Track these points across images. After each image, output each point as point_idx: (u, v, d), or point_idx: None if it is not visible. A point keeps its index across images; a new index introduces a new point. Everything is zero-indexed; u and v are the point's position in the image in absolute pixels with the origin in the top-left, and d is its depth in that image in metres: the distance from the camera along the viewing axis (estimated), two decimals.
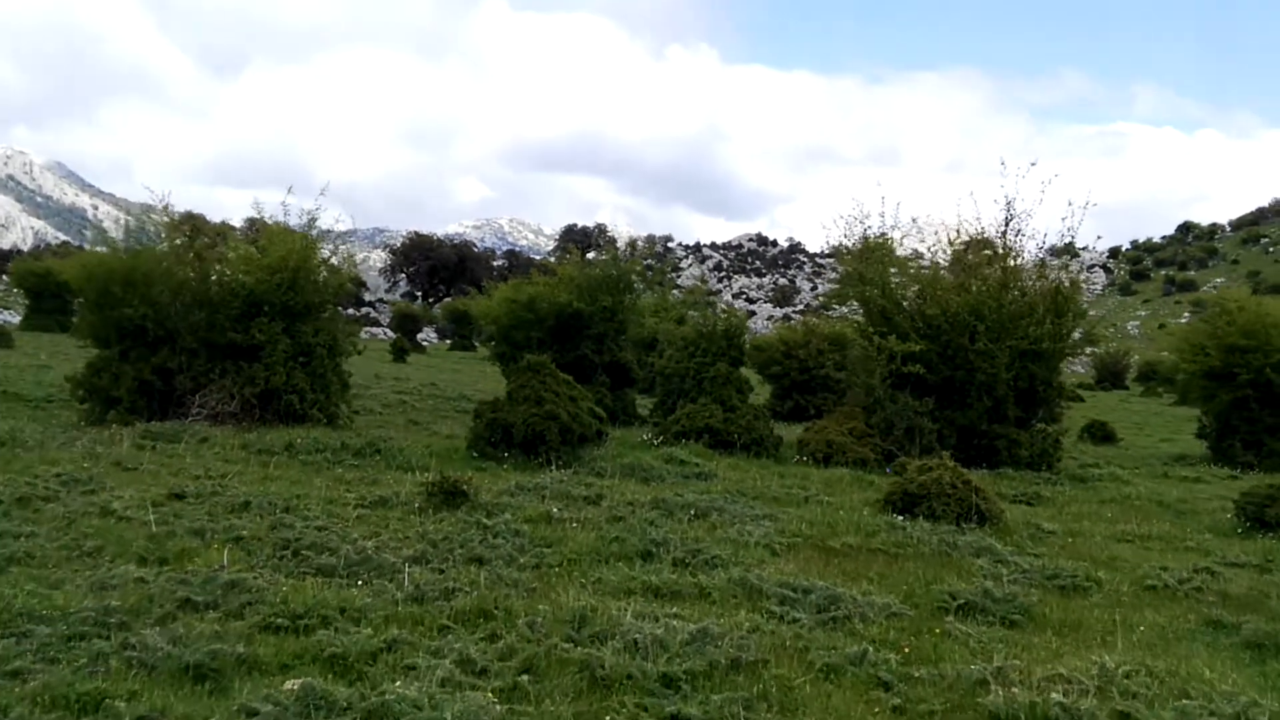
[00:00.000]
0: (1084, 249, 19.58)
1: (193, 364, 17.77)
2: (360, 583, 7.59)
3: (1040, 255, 19.09)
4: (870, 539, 10.22)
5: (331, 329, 19.69)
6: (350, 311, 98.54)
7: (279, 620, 6.47)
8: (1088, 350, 21.99)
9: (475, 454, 15.05)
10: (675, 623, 6.72)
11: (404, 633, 6.30)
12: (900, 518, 11.12)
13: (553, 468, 13.99)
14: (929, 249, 20.37)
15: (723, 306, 21.00)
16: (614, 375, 23.21)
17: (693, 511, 11.03)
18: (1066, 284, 18.49)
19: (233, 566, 7.67)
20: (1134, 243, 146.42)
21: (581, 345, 22.87)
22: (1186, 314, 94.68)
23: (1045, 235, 19.31)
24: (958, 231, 19.75)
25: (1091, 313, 20.01)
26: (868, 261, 19.31)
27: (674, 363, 19.64)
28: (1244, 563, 10.27)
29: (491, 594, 7.23)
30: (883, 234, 19.92)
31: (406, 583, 7.48)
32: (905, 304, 19.65)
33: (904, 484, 11.41)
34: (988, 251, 19.78)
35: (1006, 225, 19.15)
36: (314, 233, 19.34)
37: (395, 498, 11.07)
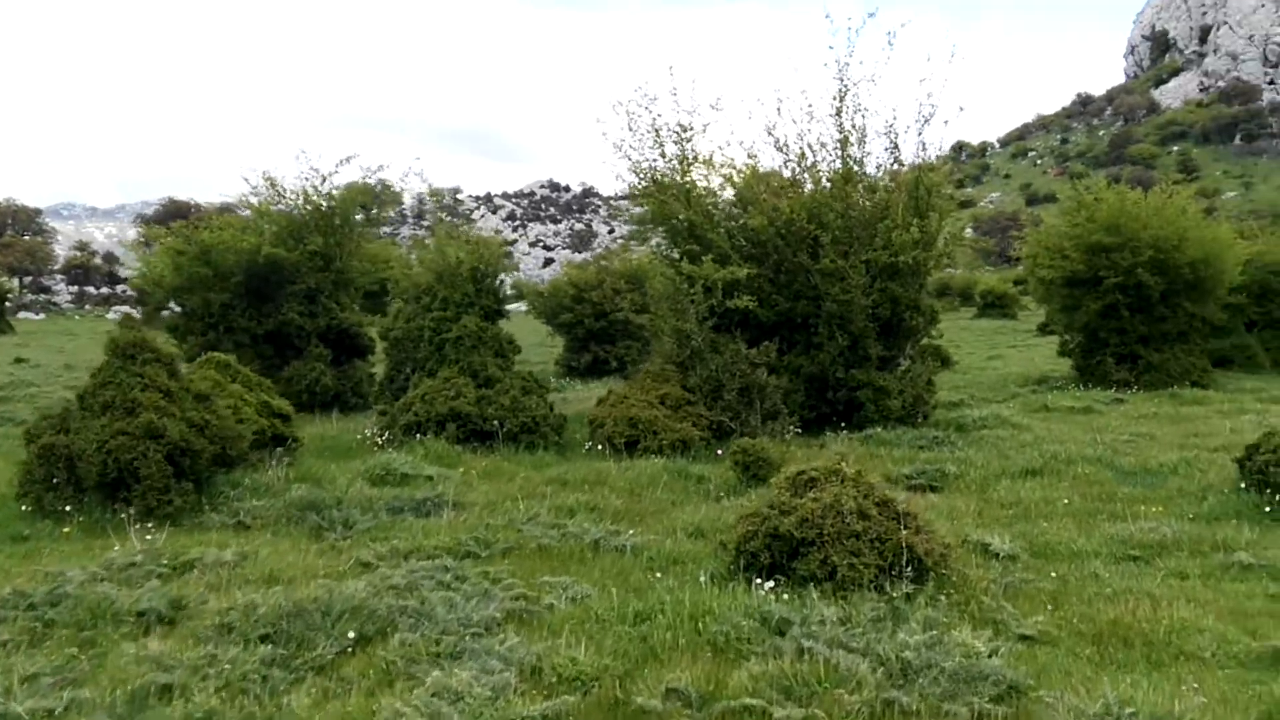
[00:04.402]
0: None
1: None
2: None
3: (890, 136, 14.17)
4: (728, 670, 4.76)
5: None
6: (103, 291, 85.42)
7: None
8: (953, 260, 17.47)
9: (28, 506, 8.67)
10: None
11: None
12: (770, 587, 5.75)
13: (145, 525, 7.85)
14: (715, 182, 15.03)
15: (469, 235, 14.92)
16: (336, 344, 16.92)
17: (354, 633, 5.26)
18: (929, 173, 13.62)
19: None
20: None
21: (286, 307, 16.43)
22: (969, 230, 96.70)
23: (895, 113, 14.40)
24: (733, 166, 14.66)
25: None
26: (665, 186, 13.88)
27: (403, 320, 13.57)
28: None
29: None
30: (680, 125, 14.55)
31: None
32: (717, 215, 14.44)
33: (770, 518, 6.00)
34: (777, 184, 14.75)
35: (841, 100, 14.13)
36: None
37: None
